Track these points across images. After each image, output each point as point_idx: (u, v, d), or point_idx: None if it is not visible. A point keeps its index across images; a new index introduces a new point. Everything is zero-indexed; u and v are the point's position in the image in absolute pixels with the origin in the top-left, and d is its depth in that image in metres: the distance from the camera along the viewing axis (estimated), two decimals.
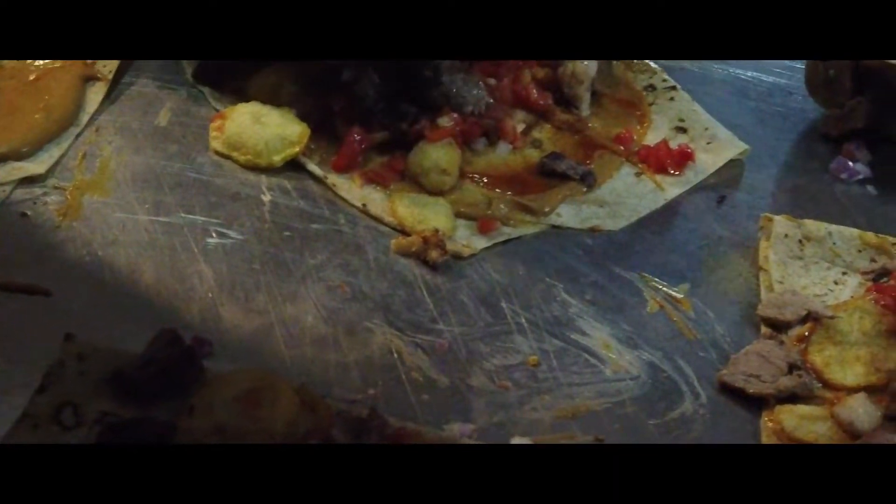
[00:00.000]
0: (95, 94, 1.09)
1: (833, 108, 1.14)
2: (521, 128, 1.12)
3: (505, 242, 1.01)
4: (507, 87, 1.13)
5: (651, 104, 1.17)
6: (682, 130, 1.13)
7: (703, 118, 1.14)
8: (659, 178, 1.09)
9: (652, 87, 1.18)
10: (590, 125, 1.14)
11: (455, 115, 1.08)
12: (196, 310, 0.91)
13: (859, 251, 1.00)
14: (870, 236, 1.00)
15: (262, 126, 1.06)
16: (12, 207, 0.98)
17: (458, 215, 1.03)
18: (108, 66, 1.11)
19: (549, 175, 1.08)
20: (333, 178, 1.05)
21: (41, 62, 1.09)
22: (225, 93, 1.12)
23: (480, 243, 1.01)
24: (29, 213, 0.98)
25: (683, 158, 1.09)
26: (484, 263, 0.98)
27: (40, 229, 0.96)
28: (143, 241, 0.96)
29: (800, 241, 0.99)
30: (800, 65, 1.19)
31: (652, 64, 1.20)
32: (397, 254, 0.98)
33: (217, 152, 1.06)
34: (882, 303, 0.93)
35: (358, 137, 1.07)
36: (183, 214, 0.99)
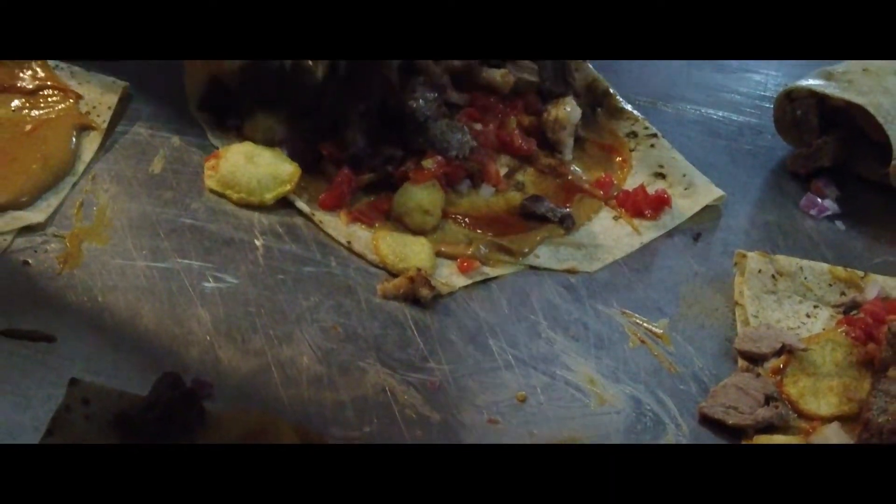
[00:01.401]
0: (90, 143, 1.12)
1: (801, 147, 1.18)
2: (504, 171, 1.15)
3: (485, 281, 1.05)
4: (493, 133, 1.16)
5: (632, 150, 1.20)
6: (662, 176, 1.17)
7: (682, 165, 1.18)
8: (636, 221, 1.12)
9: (634, 134, 1.22)
10: (572, 169, 1.17)
11: (439, 158, 1.11)
12: (195, 352, 0.94)
13: (830, 285, 1.04)
14: (839, 270, 1.04)
15: (254, 165, 1.09)
16: (14, 256, 1.01)
17: (438, 254, 1.07)
18: (101, 116, 1.14)
19: (529, 217, 1.12)
20: (321, 216, 1.09)
21: (37, 112, 1.13)
22: (222, 129, 1.16)
23: (459, 282, 1.05)
24: (30, 261, 1.01)
25: (660, 203, 1.12)
26: (471, 302, 1.02)
27: (42, 277, 0.99)
28: (141, 287, 0.99)
29: (773, 277, 1.03)
30: (768, 104, 1.24)
31: (634, 112, 1.24)
32: (384, 298, 1.01)
33: (211, 190, 1.10)
34: (852, 335, 0.97)
35: (346, 179, 1.10)
36: (179, 260, 1.02)
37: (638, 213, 1.13)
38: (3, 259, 1.01)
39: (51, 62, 1.18)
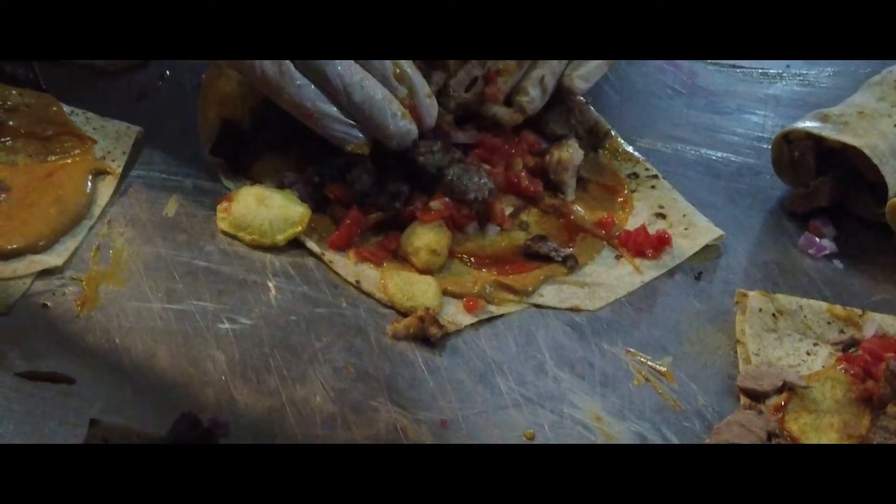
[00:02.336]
0: (106, 187, 1.15)
1: (799, 187, 1.21)
2: (509, 211, 1.18)
3: (492, 320, 1.07)
4: (501, 174, 1.19)
5: (633, 191, 1.23)
6: (662, 216, 1.19)
7: (682, 205, 1.20)
8: (637, 261, 1.14)
9: (635, 175, 1.25)
10: (574, 209, 1.20)
11: (446, 200, 1.13)
12: (211, 393, 0.97)
13: (829, 323, 1.06)
14: (838, 309, 1.07)
15: (266, 208, 1.12)
16: (33, 299, 1.04)
17: (445, 293, 1.09)
18: (116, 161, 1.17)
19: (533, 257, 1.14)
20: (330, 256, 1.12)
21: (53, 158, 1.15)
22: (235, 171, 1.19)
23: (465, 320, 1.07)
24: (49, 303, 1.03)
25: (661, 243, 1.15)
26: (479, 342, 1.04)
27: (60, 319, 1.02)
28: (157, 329, 1.02)
29: (773, 315, 1.06)
30: (766, 145, 1.26)
31: (635, 153, 1.27)
32: (394, 339, 1.04)
33: (224, 232, 1.12)
34: (851, 372, 0.99)
35: (354, 219, 1.13)
36: (194, 302, 1.05)
37: (639, 252, 1.15)
38: (23, 302, 1.03)
39: (66, 108, 1.21)
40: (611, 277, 1.13)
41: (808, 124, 1.18)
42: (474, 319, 1.07)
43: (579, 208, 1.21)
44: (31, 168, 1.14)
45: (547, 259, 1.14)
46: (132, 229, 1.12)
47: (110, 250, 1.09)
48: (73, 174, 1.14)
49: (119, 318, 1.03)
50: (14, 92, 1.21)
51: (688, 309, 1.09)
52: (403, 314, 1.07)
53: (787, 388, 0.99)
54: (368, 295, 1.08)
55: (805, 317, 1.06)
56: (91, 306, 1.03)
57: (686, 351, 1.05)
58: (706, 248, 1.16)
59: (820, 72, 1.44)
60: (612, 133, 1.29)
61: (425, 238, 1.11)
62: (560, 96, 1.25)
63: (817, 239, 1.17)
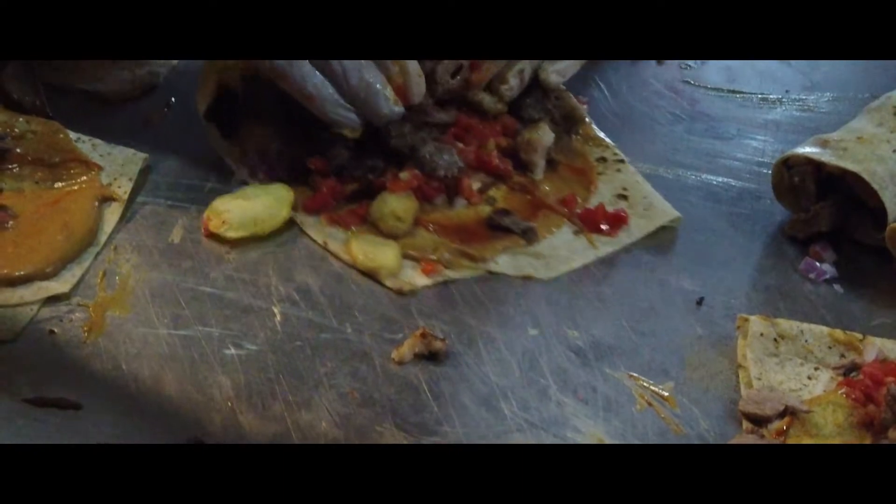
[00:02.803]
0: (112, 214, 1.16)
1: (799, 212, 1.21)
2: (477, 186, 1.24)
3: (496, 344, 1.08)
4: (473, 153, 1.25)
5: (600, 174, 1.29)
6: (624, 198, 1.25)
7: (644, 189, 1.26)
8: (594, 237, 1.20)
9: (603, 159, 1.31)
10: (541, 188, 1.26)
11: (416, 172, 1.20)
12: (217, 418, 0.97)
13: (830, 347, 1.07)
14: (838, 333, 1.07)
15: (252, 200, 1.17)
16: (40, 325, 1.05)
17: (406, 257, 1.15)
18: (122, 187, 1.18)
19: (494, 228, 1.20)
20: (302, 218, 1.18)
21: (60, 185, 1.16)
22: (225, 137, 1.25)
23: (422, 282, 1.13)
24: (56, 330, 1.04)
25: (618, 221, 1.21)
26: (483, 367, 1.05)
27: (67, 345, 1.03)
28: (164, 354, 1.03)
29: (774, 340, 1.07)
30: (766, 170, 1.27)
31: (606, 139, 1.33)
32: (400, 364, 1.05)
33: (233, 238, 1.16)
34: (852, 396, 1.00)
35: (330, 188, 1.20)
36: (200, 327, 1.06)
37: (596, 228, 1.21)
38: (30, 329, 1.04)
39: (73, 135, 1.22)
40: (567, 251, 1.19)
41: (807, 150, 1.19)
42: (430, 282, 1.13)
43: (547, 188, 1.26)
44: (38, 195, 1.15)
45: (507, 231, 1.19)
46: (138, 256, 1.13)
47: (117, 276, 1.10)
48: (80, 201, 1.15)
49: (125, 344, 1.03)
50: (21, 119, 1.22)
51: (690, 333, 1.10)
52: (367, 275, 1.13)
53: (788, 412, 0.99)
54: (334, 255, 1.15)
55: (806, 341, 1.07)
56: (98, 332, 1.04)
57: (688, 375, 1.06)
58: (708, 266, 1.18)
59: (819, 97, 1.45)
60: (588, 119, 1.35)
61: (392, 205, 1.18)
62: (539, 83, 1.32)
63: (818, 263, 1.18)
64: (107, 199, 1.17)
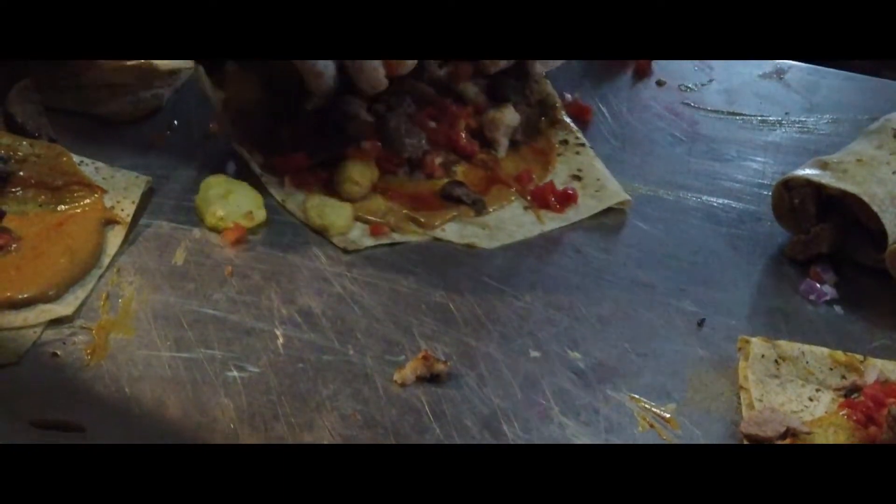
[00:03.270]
0: (115, 236, 1.17)
1: (799, 234, 1.22)
2: (439, 161, 1.30)
3: (497, 367, 1.08)
4: (442, 132, 1.31)
5: (559, 155, 1.34)
6: (578, 178, 1.31)
7: (600, 171, 1.32)
8: (542, 212, 1.26)
9: (565, 142, 1.36)
10: (502, 165, 1.32)
11: (377, 144, 1.26)
12: (219, 440, 0.97)
13: (831, 369, 1.07)
14: (839, 355, 1.07)
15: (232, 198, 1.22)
16: (43, 348, 1.05)
17: (357, 219, 1.22)
18: (125, 210, 1.19)
19: (447, 198, 1.26)
20: (267, 178, 1.25)
21: (63, 207, 1.17)
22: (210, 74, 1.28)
23: (368, 242, 1.20)
24: (59, 352, 1.04)
25: (566, 199, 1.27)
26: (485, 389, 1.05)
27: (70, 368, 1.03)
28: (166, 377, 1.03)
29: (776, 361, 1.07)
30: (766, 192, 1.28)
31: (571, 124, 1.39)
32: (402, 385, 1.05)
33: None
34: (854, 418, 1.00)
35: (301, 156, 1.26)
36: (202, 350, 1.06)
37: (545, 204, 1.27)
38: (34, 351, 1.04)
39: (76, 158, 1.23)
40: (513, 224, 1.25)
41: (807, 172, 1.20)
42: (375, 243, 1.20)
43: (506, 165, 1.32)
44: (41, 218, 1.16)
45: (459, 202, 1.25)
46: (141, 278, 1.13)
47: (119, 299, 1.11)
48: (84, 224, 1.16)
49: (128, 366, 1.04)
50: (24, 143, 1.22)
51: (691, 355, 1.10)
52: (317, 233, 1.20)
53: (790, 433, 0.99)
54: (290, 213, 1.22)
55: (807, 363, 1.07)
56: (101, 355, 1.05)
57: (690, 397, 1.06)
58: (709, 287, 1.18)
59: (818, 119, 1.46)
60: (558, 106, 1.40)
61: (351, 171, 1.24)
62: (523, 67, 1.36)
63: (818, 285, 1.18)
64: (110, 222, 1.18)
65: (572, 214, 1.26)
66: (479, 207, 1.25)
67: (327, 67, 1.19)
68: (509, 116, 1.33)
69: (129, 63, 1.40)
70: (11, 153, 1.21)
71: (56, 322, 1.07)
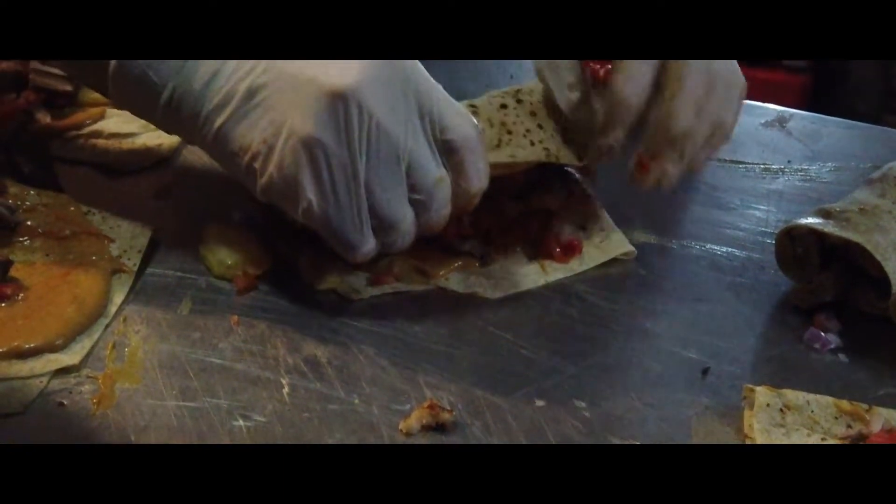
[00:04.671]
0: (121, 285, 1.17)
1: (803, 282, 1.23)
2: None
3: (501, 415, 1.08)
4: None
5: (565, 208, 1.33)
6: (583, 229, 1.30)
7: (604, 222, 1.31)
8: (546, 262, 1.26)
9: (571, 193, 1.34)
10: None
11: None
12: None
13: (836, 418, 1.07)
14: (844, 404, 1.07)
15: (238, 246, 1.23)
16: (50, 397, 1.05)
17: (359, 269, 1.21)
18: (132, 260, 1.20)
19: (450, 251, 1.25)
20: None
21: (71, 257, 1.17)
22: None
23: (371, 291, 1.20)
24: (65, 402, 1.05)
25: (571, 250, 1.26)
26: (490, 438, 1.05)
27: (76, 417, 1.03)
28: (172, 426, 1.03)
29: (781, 410, 1.07)
30: (770, 240, 1.28)
31: (575, 174, 1.36)
32: (407, 435, 1.05)
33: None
34: None
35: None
36: (208, 399, 1.06)
37: (549, 255, 1.26)
38: (40, 401, 1.05)
39: (83, 208, 1.24)
40: (517, 274, 1.24)
41: (810, 221, 1.21)
42: (378, 292, 1.20)
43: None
44: (48, 267, 1.16)
45: (466, 255, 1.25)
46: (147, 327, 1.14)
47: (126, 348, 1.11)
48: (90, 273, 1.16)
49: (134, 416, 1.04)
50: (32, 192, 1.24)
51: (696, 404, 1.10)
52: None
53: None
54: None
55: (812, 412, 1.07)
56: (107, 404, 1.05)
57: None
58: (711, 335, 1.19)
59: (821, 167, 1.47)
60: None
61: None
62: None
63: (822, 333, 1.19)
64: (117, 271, 1.18)
65: (576, 265, 1.27)
66: (486, 261, 1.25)
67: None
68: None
69: None
70: (19, 203, 1.22)
71: (62, 371, 1.08)
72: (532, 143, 1.23)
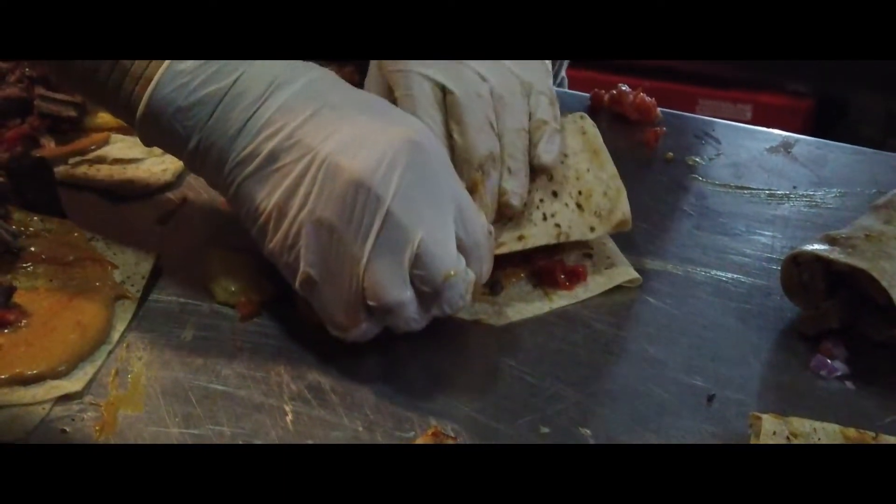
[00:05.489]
0: (124, 312, 1.17)
1: (809, 309, 1.22)
2: None
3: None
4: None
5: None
6: (589, 256, 1.29)
7: (610, 249, 1.31)
8: (550, 290, 1.25)
9: None
10: None
11: None
12: None
13: None
14: (851, 431, 1.07)
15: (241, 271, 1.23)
16: (52, 424, 1.05)
17: None
18: (135, 286, 1.19)
19: None
20: None
21: (74, 283, 1.17)
22: None
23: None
24: (68, 429, 1.04)
25: (576, 277, 1.25)
26: None
27: None
28: None
29: (787, 438, 1.06)
30: (776, 266, 1.28)
31: None
32: None
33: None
34: None
35: None
36: (211, 426, 1.06)
37: (554, 282, 1.25)
38: (42, 428, 1.04)
39: (86, 234, 1.24)
40: (522, 301, 1.23)
41: (816, 247, 1.20)
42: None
43: None
44: (52, 293, 1.16)
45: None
46: (150, 354, 1.14)
47: (129, 375, 1.11)
48: (93, 299, 1.16)
49: (137, 443, 1.03)
50: (35, 218, 1.23)
51: (701, 432, 1.10)
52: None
53: None
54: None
55: (819, 440, 1.06)
56: (109, 431, 1.04)
57: None
58: (719, 362, 1.18)
59: (826, 193, 1.47)
60: None
61: None
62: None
63: (829, 361, 1.18)
64: (120, 297, 1.18)
65: (581, 292, 1.26)
66: (496, 290, 1.23)
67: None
68: None
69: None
70: (23, 229, 1.21)
71: (65, 398, 1.07)
72: (544, 218, 1.25)
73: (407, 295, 1.07)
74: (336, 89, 1.08)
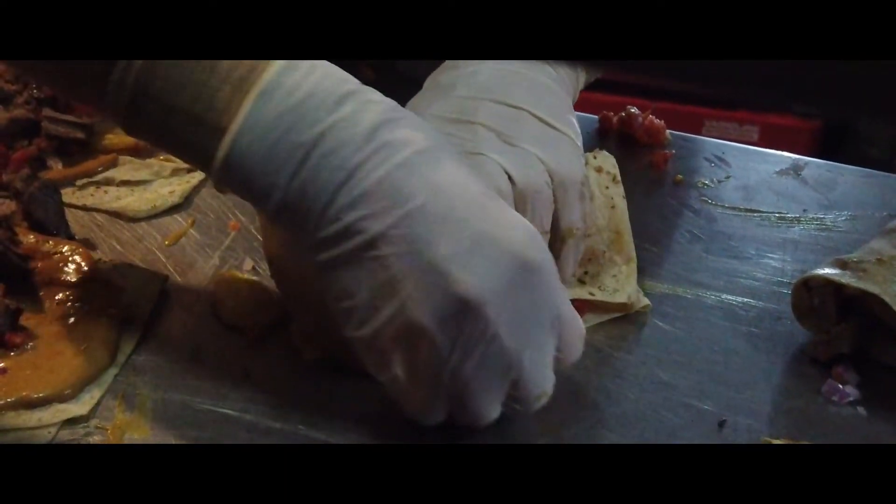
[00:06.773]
0: (131, 334, 1.16)
1: (820, 333, 1.21)
2: None
3: None
4: None
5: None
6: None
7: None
8: None
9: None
10: None
11: None
12: None
13: None
14: None
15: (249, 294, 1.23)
16: None
17: None
18: (142, 308, 1.19)
19: None
20: None
21: (80, 305, 1.17)
22: None
23: None
24: None
25: (581, 306, 1.21)
26: None
27: None
28: None
29: None
30: (786, 290, 1.27)
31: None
32: None
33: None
34: None
35: None
36: None
37: None
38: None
39: (94, 255, 1.23)
40: None
41: (826, 271, 1.19)
42: None
43: None
44: (58, 316, 1.15)
45: None
46: (157, 377, 1.13)
47: (135, 398, 1.10)
48: (100, 322, 1.15)
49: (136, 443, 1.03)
50: (42, 240, 1.23)
51: None
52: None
53: None
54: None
55: None
56: None
57: None
58: (728, 388, 1.17)
59: (837, 216, 1.46)
60: None
61: None
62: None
63: (840, 386, 1.17)
64: (126, 320, 1.17)
65: (591, 317, 1.24)
66: None
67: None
68: None
69: (148, 160, 1.42)
70: (30, 251, 1.21)
71: (71, 422, 1.06)
72: (616, 285, 1.27)
73: (498, 413, 1.03)
74: (440, 167, 0.94)
